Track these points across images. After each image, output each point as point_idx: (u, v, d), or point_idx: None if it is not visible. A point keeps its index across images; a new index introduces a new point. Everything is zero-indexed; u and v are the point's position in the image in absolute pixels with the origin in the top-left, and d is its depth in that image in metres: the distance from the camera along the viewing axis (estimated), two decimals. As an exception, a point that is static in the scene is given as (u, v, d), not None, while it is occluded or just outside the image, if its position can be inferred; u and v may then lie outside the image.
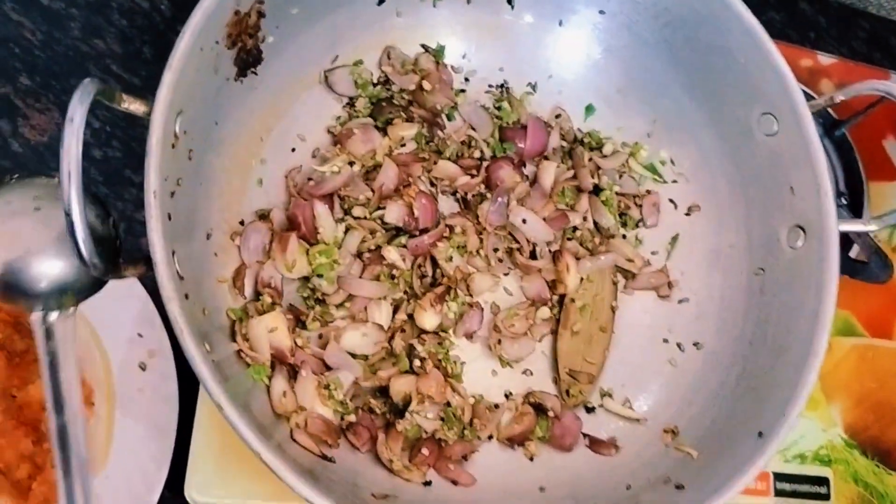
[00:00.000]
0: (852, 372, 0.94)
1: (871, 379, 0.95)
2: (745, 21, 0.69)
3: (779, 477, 0.87)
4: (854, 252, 0.98)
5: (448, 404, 0.70)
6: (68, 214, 0.46)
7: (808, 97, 0.73)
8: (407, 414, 0.67)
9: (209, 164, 0.65)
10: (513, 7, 0.78)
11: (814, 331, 0.64)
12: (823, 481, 0.89)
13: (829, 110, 1.02)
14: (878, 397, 0.94)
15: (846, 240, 0.98)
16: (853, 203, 1.00)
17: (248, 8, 0.62)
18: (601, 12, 0.76)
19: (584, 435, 0.73)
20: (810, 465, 0.90)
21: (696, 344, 0.76)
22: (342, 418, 0.67)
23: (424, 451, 0.67)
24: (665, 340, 0.77)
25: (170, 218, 0.55)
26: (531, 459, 0.71)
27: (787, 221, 0.71)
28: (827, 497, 0.88)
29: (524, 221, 0.76)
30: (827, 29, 1.18)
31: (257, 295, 0.68)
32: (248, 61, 0.66)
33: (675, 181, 0.80)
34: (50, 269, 0.64)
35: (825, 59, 1.07)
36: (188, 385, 0.75)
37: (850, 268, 0.97)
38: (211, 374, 0.51)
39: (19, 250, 0.59)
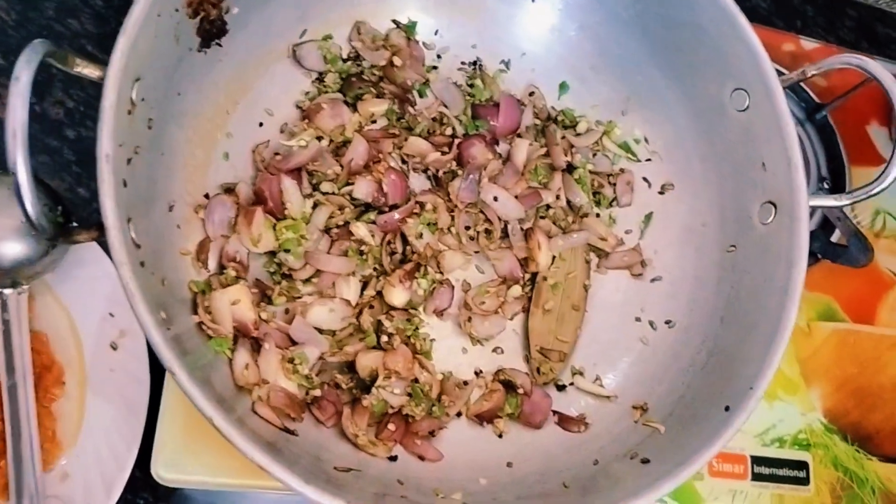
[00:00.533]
0: (832, 357, 0.93)
1: (852, 364, 0.94)
2: (716, -6, 0.68)
3: (756, 461, 0.87)
4: (836, 237, 0.97)
5: (416, 380, 0.69)
6: (13, 174, 0.46)
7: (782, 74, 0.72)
8: (373, 389, 0.67)
9: (171, 134, 0.64)
10: (486, -17, 0.78)
11: (783, 305, 0.63)
12: (802, 465, 0.88)
13: (811, 94, 1.01)
14: (858, 382, 0.93)
15: (827, 224, 0.97)
16: (835, 188, 1.00)
17: (209, -24, 0.62)
18: (574, -12, 0.76)
19: (554, 412, 0.72)
20: (789, 450, 0.89)
21: (667, 322, 0.75)
22: (307, 393, 0.66)
23: (391, 426, 0.67)
24: (637, 319, 0.76)
25: (125, 184, 0.54)
26: (500, 436, 0.71)
27: (759, 197, 0.70)
28: (806, 481, 0.87)
29: (495, 199, 0.75)
30: (814, 17, 1.17)
31: (222, 268, 0.67)
32: (211, 32, 0.65)
33: (648, 159, 0.80)
34: (4, 249, 0.68)
35: (808, 44, 1.06)
36: (159, 365, 0.74)
37: (831, 252, 0.96)
38: (163, 339, 0.50)
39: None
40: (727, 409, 0.61)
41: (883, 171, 0.67)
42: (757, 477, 0.86)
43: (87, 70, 0.52)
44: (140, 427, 0.74)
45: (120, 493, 0.72)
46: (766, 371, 0.61)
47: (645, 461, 0.63)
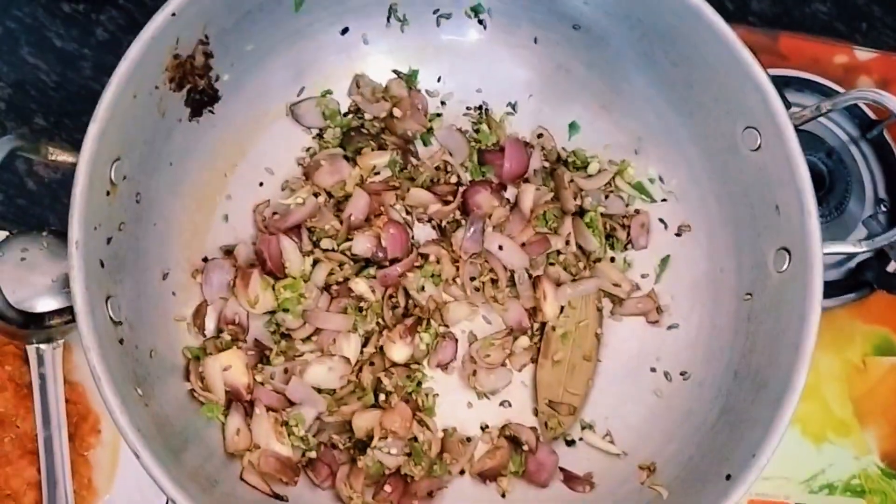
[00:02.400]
0: (891, 394, 0.86)
1: (915, 402, 0.87)
2: (720, 32, 0.65)
3: (803, 509, 0.82)
4: (892, 267, 0.90)
5: (415, 439, 0.68)
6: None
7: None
8: (368, 450, 0.66)
9: (165, 204, 0.66)
10: (485, 28, 0.76)
11: (793, 365, 0.59)
12: (856, 513, 0.83)
13: (865, 109, 0.94)
14: (921, 421, 0.86)
15: (882, 255, 0.90)
16: (894, 210, 0.93)
17: (189, 51, 0.63)
18: (575, 27, 0.73)
19: (561, 469, 0.70)
20: (840, 497, 0.83)
21: (683, 373, 0.72)
22: (303, 454, 0.67)
23: (387, 487, 0.66)
24: (653, 369, 0.73)
25: (102, 265, 0.56)
26: (503, 496, 0.69)
27: (774, 243, 0.66)
28: (860, 530, 0.82)
29: (500, 248, 0.73)
30: (882, 18, 1.09)
31: (220, 332, 0.68)
32: (202, 101, 0.67)
33: (664, 199, 0.76)
34: (39, 306, 0.72)
35: (863, 55, 0.99)
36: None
37: (886, 282, 0.89)
38: (129, 422, 0.51)
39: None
40: (728, 477, 0.58)
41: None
42: (804, 527, 0.81)
43: (62, 158, 0.54)
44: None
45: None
46: (771, 437, 0.58)
47: (642, 530, 0.60)
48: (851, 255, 0.89)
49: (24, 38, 0.90)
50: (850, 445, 0.84)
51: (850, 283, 0.87)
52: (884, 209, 0.92)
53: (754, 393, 0.63)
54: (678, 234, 0.76)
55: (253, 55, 0.69)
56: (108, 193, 0.57)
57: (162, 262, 0.65)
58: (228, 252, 0.71)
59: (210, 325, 0.68)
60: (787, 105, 0.81)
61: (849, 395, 0.86)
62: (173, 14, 0.58)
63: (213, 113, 0.68)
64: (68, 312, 0.52)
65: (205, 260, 0.70)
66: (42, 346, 0.77)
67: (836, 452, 0.83)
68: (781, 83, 0.91)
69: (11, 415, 0.78)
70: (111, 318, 0.55)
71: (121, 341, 0.56)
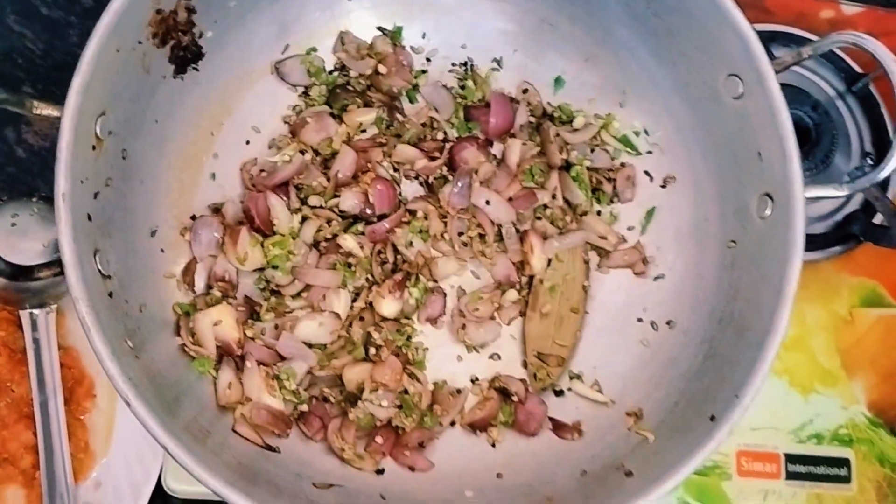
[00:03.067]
0: (878, 345, 0.87)
1: (902, 353, 0.88)
2: (701, -22, 0.65)
3: (791, 458, 0.83)
4: (878, 218, 0.91)
5: (405, 391, 0.69)
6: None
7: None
8: (359, 402, 0.67)
9: (152, 162, 0.66)
10: (469, -18, 0.76)
11: (775, 308, 0.60)
12: (843, 462, 0.83)
13: (850, 62, 0.94)
14: (908, 372, 0.87)
15: (868, 207, 0.91)
16: (881, 163, 0.93)
17: (172, 6, 0.63)
18: (560, -20, 0.73)
19: (550, 419, 0.71)
20: (828, 446, 0.84)
21: (669, 322, 0.72)
22: (295, 408, 0.67)
23: (378, 438, 0.67)
24: (639, 319, 0.74)
25: (90, 218, 0.56)
26: (493, 445, 0.70)
27: (756, 189, 0.66)
28: (848, 479, 0.83)
29: (487, 203, 0.74)
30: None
31: (209, 289, 0.69)
32: (186, 58, 0.67)
33: (649, 152, 0.77)
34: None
35: (849, 9, 0.99)
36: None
37: (873, 234, 0.90)
38: (119, 371, 0.52)
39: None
40: (712, 418, 0.59)
41: (887, 156, 0.62)
42: (792, 476, 0.82)
43: (46, 111, 0.54)
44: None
45: (147, 500, 0.75)
46: (753, 379, 0.58)
47: (628, 473, 0.61)
48: (838, 208, 0.89)
49: (10, 7, 0.90)
50: (838, 396, 0.85)
51: (837, 235, 0.88)
52: (870, 162, 0.92)
53: (737, 337, 0.63)
54: (663, 186, 0.76)
55: (236, 11, 0.69)
56: (93, 148, 0.57)
57: (150, 220, 0.66)
58: (216, 210, 0.71)
59: (200, 282, 0.68)
60: (772, 58, 0.82)
61: (836, 346, 0.87)
62: (154, -32, 0.58)
63: (197, 70, 0.68)
64: (57, 265, 0.52)
65: (193, 218, 0.70)
66: (35, 311, 0.77)
67: (823, 403, 0.84)
68: (767, 38, 0.91)
69: (6, 380, 0.79)
70: (100, 271, 0.56)
71: (110, 294, 0.56)
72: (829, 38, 0.63)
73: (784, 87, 0.82)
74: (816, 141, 0.87)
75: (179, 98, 0.68)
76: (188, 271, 0.68)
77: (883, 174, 0.61)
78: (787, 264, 0.61)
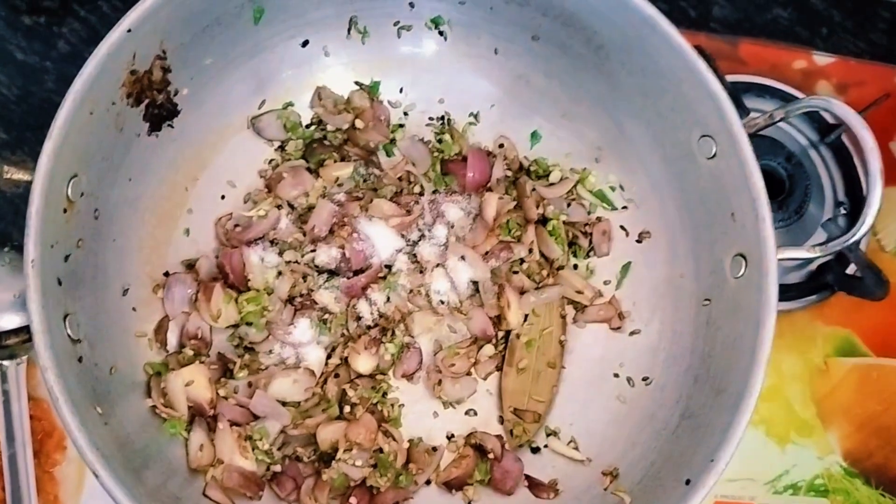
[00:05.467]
0: (853, 394, 0.88)
1: (876, 401, 0.88)
2: (674, 42, 0.65)
3: (768, 510, 0.83)
4: (852, 269, 0.92)
5: (380, 450, 0.68)
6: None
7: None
8: (333, 462, 0.66)
9: (124, 219, 0.65)
10: (446, 39, 0.76)
11: (750, 370, 0.60)
12: (820, 513, 0.84)
13: (824, 114, 0.95)
14: (882, 421, 0.87)
15: (842, 257, 0.92)
16: (854, 212, 0.94)
17: (147, 66, 0.63)
18: (534, 38, 0.74)
19: (526, 477, 0.70)
20: (804, 497, 0.84)
21: (644, 379, 0.72)
22: (268, 468, 0.67)
23: (352, 499, 0.67)
24: (616, 375, 0.74)
25: (60, 283, 0.56)
26: (469, 504, 0.70)
27: (730, 249, 0.66)
28: (824, 530, 0.83)
29: (462, 258, 0.74)
30: (841, 23, 1.10)
31: (182, 347, 0.68)
32: (161, 115, 0.67)
33: (625, 207, 0.77)
34: (1, 322, 0.71)
35: (822, 59, 1.00)
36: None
37: (846, 284, 0.91)
38: (88, 442, 0.51)
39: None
40: (688, 482, 0.59)
41: (859, 220, 0.62)
42: (768, 527, 0.82)
43: (17, 176, 0.54)
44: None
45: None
46: (728, 442, 0.58)
47: (604, 537, 0.61)
48: (812, 259, 0.90)
49: (-16, 52, 0.90)
50: (814, 446, 0.85)
51: (811, 285, 0.88)
52: (843, 212, 0.93)
53: (713, 397, 0.64)
54: (639, 241, 0.76)
55: (212, 69, 0.69)
56: (64, 210, 0.57)
57: (122, 278, 0.65)
58: (190, 266, 0.71)
59: (172, 341, 0.68)
60: (746, 111, 0.83)
61: (811, 396, 0.87)
62: (129, 30, 0.58)
63: (172, 127, 0.68)
64: (26, 332, 0.51)
65: (166, 275, 0.70)
66: (5, 362, 0.76)
67: (799, 453, 0.85)
68: (741, 89, 0.92)
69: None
70: (69, 336, 0.55)
71: (80, 359, 0.55)
72: (802, 102, 0.64)
73: (759, 137, 0.84)
74: (790, 191, 0.88)
75: (154, 155, 0.67)
76: (160, 329, 0.67)
77: (853, 239, 0.62)
78: (760, 326, 0.61)
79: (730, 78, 0.91)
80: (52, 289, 0.54)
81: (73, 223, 0.58)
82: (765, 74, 0.95)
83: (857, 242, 0.88)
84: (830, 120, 0.95)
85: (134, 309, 0.66)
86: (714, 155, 0.67)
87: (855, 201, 0.94)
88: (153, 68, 0.63)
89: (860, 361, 0.89)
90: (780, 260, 0.63)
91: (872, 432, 0.87)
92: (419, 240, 0.75)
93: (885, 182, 0.95)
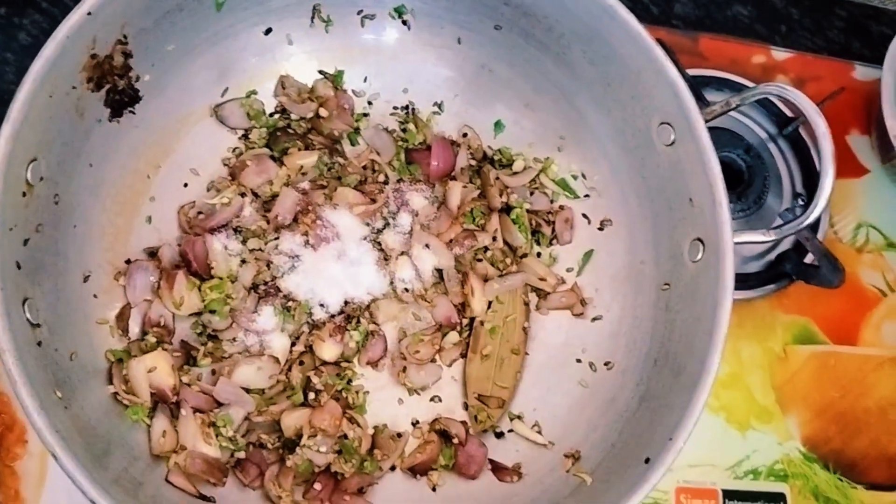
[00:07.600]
0: (811, 381, 0.89)
1: (833, 388, 0.90)
2: (633, 31, 0.66)
3: (729, 495, 0.84)
4: (809, 258, 0.94)
5: (345, 436, 0.69)
6: None
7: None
8: (297, 448, 0.66)
9: (85, 206, 0.65)
10: (409, 29, 0.77)
11: (707, 351, 0.61)
12: (779, 498, 0.85)
13: (781, 106, 0.97)
14: (840, 407, 0.89)
15: (800, 247, 0.94)
16: (811, 203, 0.96)
17: (108, 51, 0.62)
18: (497, 27, 0.75)
19: (490, 461, 0.71)
20: (764, 482, 0.86)
21: (606, 363, 0.73)
22: (232, 455, 0.66)
23: (317, 485, 0.67)
24: (578, 360, 0.75)
25: (19, 266, 0.55)
26: (434, 489, 0.70)
27: (688, 234, 0.68)
28: (784, 514, 0.84)
29: (427, 246, 0.74)
30: (799, 20, 1.13)
31: (145, 334, 0.68)
32: (122, 101, 0.66)
33: (587, 195, 0.78)
34: None
35: (780, 54, 1.02)
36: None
37: (804, 273, 0.92)
38: (47, 424, 0.51)
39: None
40: (647, 461, 0.60)
41: (811, 205, 0.64)
42: (730, 511, 0.83)
43: (-25, 157, 0.53)
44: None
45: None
46: (686, 421, 0.59)
47: (566, 516, 0.62)
48: (771, 248, 0.92)
49: (-55, 45, 0.89)
50: (773, 432, 0.87)
51: (770, 274, 0.90)
52: (801, 203, 0.95)
53: (672, 379, 0.65)
54: (601, 229, 0.77)
55: (174, 55, 0.69)
56: (24, 194, 0.56)
57: (83, 265, 0.65)
58: (152, 254, 0.70)
59: (134, 328, 0.67)
60: (706, 103, 0.84)
61: (771, 383, 0.89)
62: (89, 13, 0.58)
63: (133, 113, 0.68)
64: (-17, 314, 0.51)
65: (128, 262, 0.69)
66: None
67: (759, 439, 0.86)
68: (701, 83, 0.94)
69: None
70: (28, 320, 0.55)
71: (39, 344, 0.55)
72: (757, 88, 0.66)
73: (718, 130, 0.85)
74: (749, 182, 0.90)
75: (115, 141, 0.67)
76: (122, 317, 0.67)
77: (807, 221, 0.63)
78: (717, 307, 0.62)
79: (690, 72, 0.93)
80: (10, 272, 0.54)
81: (32, 207, 0.58)
82: (724, 69, 0.97)
83: (814, 228, 0.91)
84: (788, 113, 0.97)
85: (95, 296, 0.65)
86: (673, 142, 0.68)
87: (812, 192, 0.95)
88: (114, 53, 0.63)
89: (818, 349, 0.91)
90: (736, 243, 0.64)
91: (830, 418, 0.88)
92: (384, 228, 0.75)
93: (840, 174, 0.98)
